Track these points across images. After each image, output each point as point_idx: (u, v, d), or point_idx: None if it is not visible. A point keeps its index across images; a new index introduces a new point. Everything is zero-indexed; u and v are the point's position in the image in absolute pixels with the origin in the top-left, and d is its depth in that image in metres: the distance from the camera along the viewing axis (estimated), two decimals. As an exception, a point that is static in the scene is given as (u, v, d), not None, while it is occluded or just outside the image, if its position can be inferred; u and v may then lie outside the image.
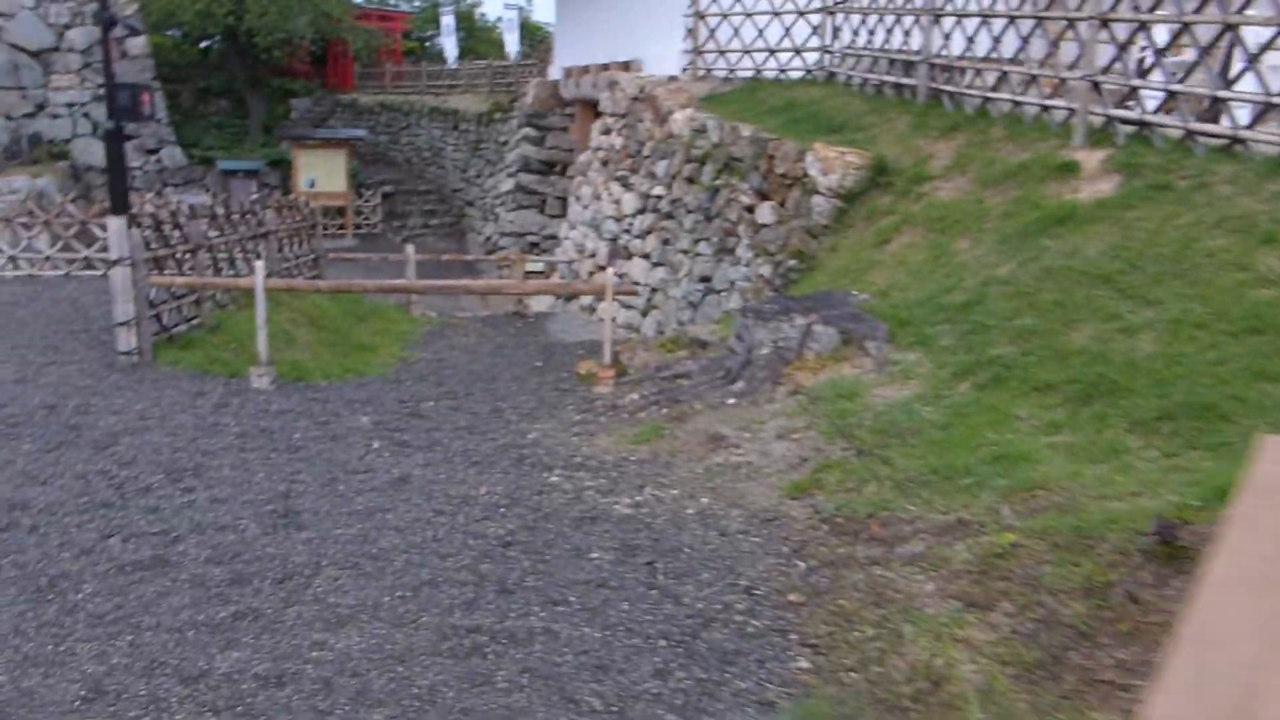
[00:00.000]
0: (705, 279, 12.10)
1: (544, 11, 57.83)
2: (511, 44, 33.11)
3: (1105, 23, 8.56)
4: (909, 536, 4.78)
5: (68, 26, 26.65)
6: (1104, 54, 8.85)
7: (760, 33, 13.93)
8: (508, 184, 22.88)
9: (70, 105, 26.85)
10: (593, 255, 15.84)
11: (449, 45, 36.21)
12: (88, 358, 9.18)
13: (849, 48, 12.86)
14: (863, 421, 6.30)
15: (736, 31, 14.14)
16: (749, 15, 13.90)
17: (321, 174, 28.70)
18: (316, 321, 12.31)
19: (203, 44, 35.43)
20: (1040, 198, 8.46)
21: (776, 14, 13.64)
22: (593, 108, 19.85)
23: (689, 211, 12.77)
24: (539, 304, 16.35)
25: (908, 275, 8.73)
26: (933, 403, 6.28)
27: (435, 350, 12.19)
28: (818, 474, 5.79)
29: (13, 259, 14.76)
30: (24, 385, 8.12)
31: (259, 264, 9.02)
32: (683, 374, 8.47)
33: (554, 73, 23.38)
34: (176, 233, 10.00)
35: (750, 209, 11.36)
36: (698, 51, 14.50)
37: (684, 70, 14.84)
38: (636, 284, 13.04)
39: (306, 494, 5.76)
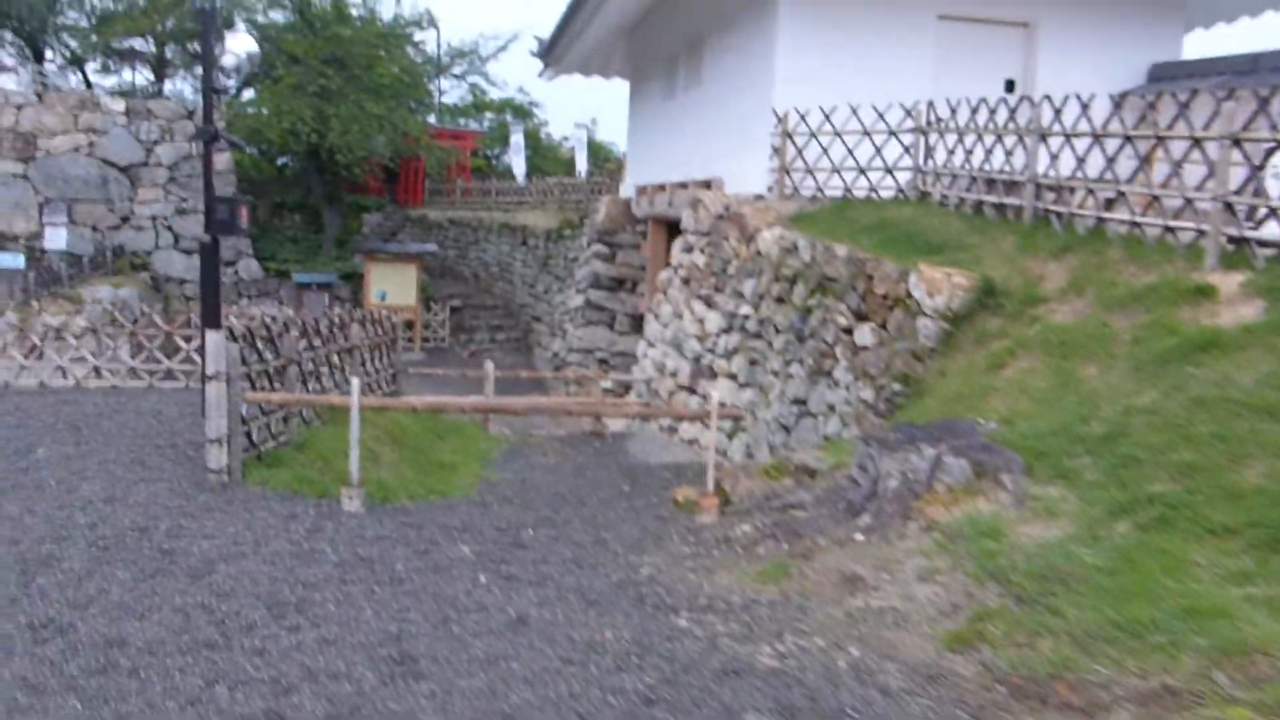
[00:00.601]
0: (799, 401, 11.68)
1: (607, 130, 59.39)
2: (581, 162, 33.68)
3: (1238, 142, 8.22)
4: (1109, 705, 4.22)
5: (156, 143, 27.58)
6: (1234, 174, 8.49)
7: (850, 152, 13.76)
8: (577, 300, 22.84)
9: (154, 218, 27.61)
10: (674, 374, 15.52)
11: (517, 163, 36.94)
12: (176, 475, 8.94)
13: (944, 167, 12.62)
14: (1015, 563, 5.76)
15: (825, 150, 14.00)
16: (839, 134, 13.76)
17: (392, 287, 29.07)
18: (398, 438, 12.06)
19: (280, 160, 36.62)
20: (1175, 323, 8.00)
21: (867, 133, 13.49)
22: (666, 225, 19.82)
23: (779, 331, 12.44)
24: (615, 423, 15.99)
25: (1031, 403, 8.24)
26: (1091, 544, 5.75)
27: (516, 470, 11.84)
28: (976, 624, 5.25)
29: (96, 369, 14.81)
30: (113, 504, 7.87)
31: (355, 381, 8.79)
32: (795, 504, 7.99)
33: (625, 190, 23.55)
34: (269, 347, 9.85)
35: (848, 330, 10.99)
36: (784, 170, 14.37)
37: (769, 189, 14.69)
38: (723, 404, 12.65)
39: (420, 636, 5.33)
